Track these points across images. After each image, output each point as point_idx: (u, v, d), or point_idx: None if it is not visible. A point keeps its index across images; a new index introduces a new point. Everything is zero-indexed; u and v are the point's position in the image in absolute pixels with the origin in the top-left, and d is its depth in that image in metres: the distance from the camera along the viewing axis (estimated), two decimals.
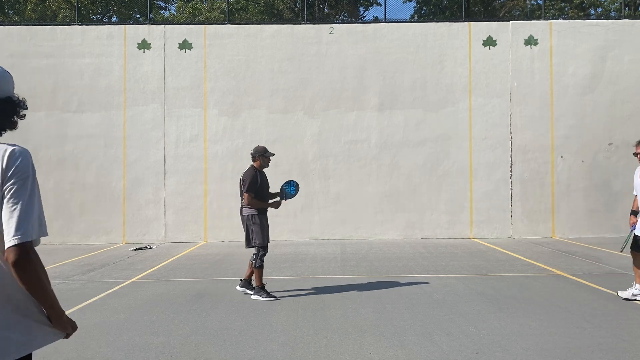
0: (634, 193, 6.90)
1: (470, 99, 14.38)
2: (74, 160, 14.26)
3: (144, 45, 14.43)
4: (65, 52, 14.40)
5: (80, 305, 6.91)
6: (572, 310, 6.30)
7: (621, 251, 7.28)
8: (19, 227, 1.90)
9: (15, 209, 1.91)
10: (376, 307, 6.59)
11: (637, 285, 6.74)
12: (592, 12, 27.81)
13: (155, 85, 14.37)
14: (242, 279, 7.65)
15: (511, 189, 14.25)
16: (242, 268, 9.68)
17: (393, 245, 12.94)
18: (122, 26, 14.71)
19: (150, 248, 12.99)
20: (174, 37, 14.48)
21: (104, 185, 14.22)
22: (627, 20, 14.89)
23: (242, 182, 7.26)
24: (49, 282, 2.01)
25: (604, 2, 28.02)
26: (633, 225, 6.76)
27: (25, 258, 1.91)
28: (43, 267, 1.97)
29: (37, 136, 14.26)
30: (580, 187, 14.19)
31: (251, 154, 7.52)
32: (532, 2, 28.23)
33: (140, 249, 12.81)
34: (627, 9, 24.47)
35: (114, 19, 28.34)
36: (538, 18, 17.79)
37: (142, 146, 14.27)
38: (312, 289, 7.77)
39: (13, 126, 2.14)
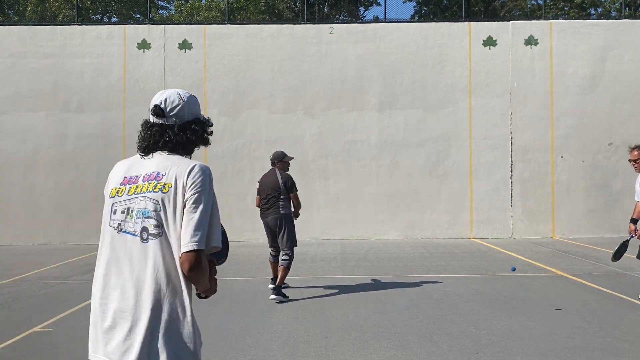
0: (636, 199, 6.63)
1: (470, 99, 14.38)
2: (74, 160, 14.26)
3: (143, 45, 14.42)
4: (65, 52, 14.39)
5: (80, 305, 6.91)
6: (572, 310, 6.30)
7: (613, 260, 6.68)
8: (194, 235, 2.07)
9: (192, 217, 2.10)
10: (376, 307, 6.59)
11: None
12: (592, 12, 27.80)
13: (155, 85, 14.35)
14: (274, 286, 7.15)
15: (511, 189, 14.24)
16: (242, 268, 9.66)
17: (393, 245, 12.94)
18: (122, 26, 14.71)
19: None
20: (173, 37, 14.48)
21: (104, 186, 14.17)
22: (627, 20, 14.89)
23: (285, 183, 7.29)
24: (207, 275, 2.19)
25: (604, 2, 28.02)
26: (631, 235, 6.50)
27: (196, 265, 2.08)
28: (207, 269, 2.17)
29: (37, 136, 14.26)
30: (580, 187, 14.18)
31: (271, 159, 7.56)
32: (532, 2, 28.24)
33: None
34: (627, 9, 24.46)
35: (113, 19, 28.34)
36: (538, 18, 17.79)
37: None
38: (312, 289, 7.77)
39: (205, 143, 2.40)
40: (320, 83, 14.42)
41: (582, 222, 14.14)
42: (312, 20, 18.79)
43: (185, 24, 15.98)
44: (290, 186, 7.36)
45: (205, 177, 2.18)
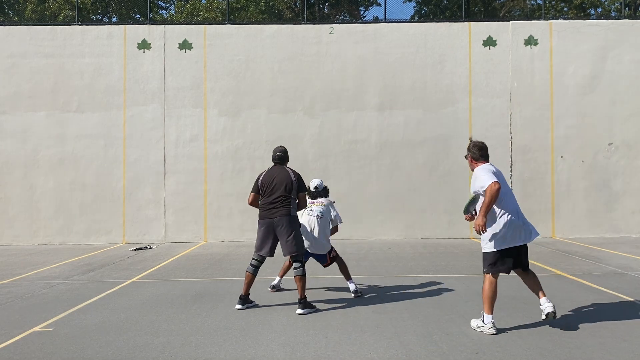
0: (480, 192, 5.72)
1: (470, 99, 14.39)
2: (74, 160, 14.26)
3: (144, 45, 14.43)
4: (65, 52, 14.40)
5: (80, 305, 6.91)
6: (572, 310, 6.30)
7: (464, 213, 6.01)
8: (337, 218, 7.50)
9: (335, 214, 7.45)
10: (376, 307, 6.60)
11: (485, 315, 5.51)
12: (592, 12, 27.80)
13: (155, 85, 14.37)
14: (300, 299, 6.43)
15: (511, 189, 14.23)
16: (242, 268, 9.63)
17: (393, 245, 12.94)
18: (122, 26, 14.72)
19: (150, 248, 12.99)
20: (174, 37, 14.48)
21: (104, 185, 14.22)
22: (627, 20, 14.89)
23: (298, 181, 6.65)
24: None
25: (604, 2, 28.02)
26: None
27: (337, 230, 7.65)
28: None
29: (37, 136, 14.27)
30: (580, 187, 14.19)
31: (279, 155, 6.81)
32: (532, 2, 28.23)
33: (140, 249, 12.81)
34: (627, 9, 24.47)
35: (113, 19, 28.34)
36: (538, 18, 17.79)
37: (142, 146, 14.27)
38: (312, 289, 7.76)
39: (327, 194, 7.64)
40: (320, 83, 14.42)
41: (582, 222, 14.14)
42: (312, 20, 18.79)
43: (186, 24, 15.98)
44: (302, 185, 6.70)
45: (332, 203, 7.51)
